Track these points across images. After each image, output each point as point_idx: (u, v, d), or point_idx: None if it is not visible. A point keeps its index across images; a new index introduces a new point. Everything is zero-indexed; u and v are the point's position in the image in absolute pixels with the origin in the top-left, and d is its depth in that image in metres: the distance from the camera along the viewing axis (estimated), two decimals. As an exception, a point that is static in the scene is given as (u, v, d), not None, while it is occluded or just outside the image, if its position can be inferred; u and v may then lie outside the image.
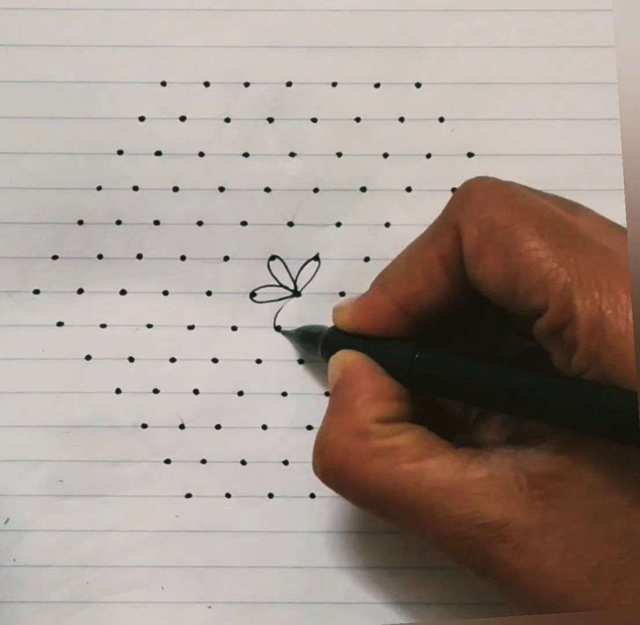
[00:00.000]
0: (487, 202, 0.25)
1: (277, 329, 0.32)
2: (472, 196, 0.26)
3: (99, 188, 0.32)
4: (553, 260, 0.24)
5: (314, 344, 0.30)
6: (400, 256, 0.28)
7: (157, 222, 0.32)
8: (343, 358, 0.28)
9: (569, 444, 0.24)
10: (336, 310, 0.29)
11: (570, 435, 0.24)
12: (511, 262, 0.24)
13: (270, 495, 0.31)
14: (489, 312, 0.28)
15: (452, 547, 0.25)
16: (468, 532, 0.24)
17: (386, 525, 0.29)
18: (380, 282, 0.28)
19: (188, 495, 0.32)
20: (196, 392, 0.32)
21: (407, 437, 0.26)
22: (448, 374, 0.26)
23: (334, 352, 0.29)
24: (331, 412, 0.27)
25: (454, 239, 0.26)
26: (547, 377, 0.24)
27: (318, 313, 0.32)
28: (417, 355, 0.27)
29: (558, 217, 0.25)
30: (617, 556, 0.23)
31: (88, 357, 0.32)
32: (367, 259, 0.32)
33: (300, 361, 0.32)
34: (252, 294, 0.32)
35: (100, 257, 0.32)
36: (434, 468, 0.25)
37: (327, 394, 0.31)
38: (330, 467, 0.27)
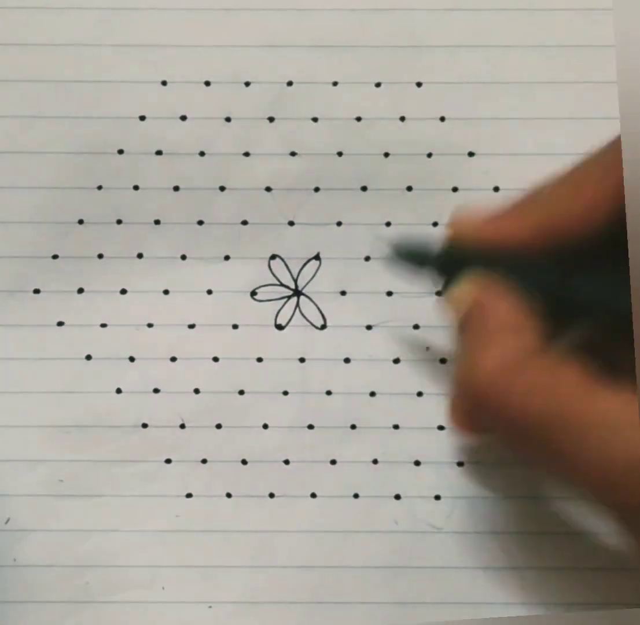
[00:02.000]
0: None
1: (278, 328, 0.32)
2: None
3: (100, 187, 0.32)
4: None
5: (421, 265, 0.28)
6: (555, 181, 0.26)
7: (157, 222, 0.32)
8: (472, 288, 0.26)
9: None
10: (453, 223, 0.27)
11: None
12: None
13: (271, 495, 0.31)
14: None
15: (621, 487, 0.22)
16: None
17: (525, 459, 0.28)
18: (524, 200, 0.26)
19: (188, 495, 0.31)
20: (197, 391, 0.32)
21: (567, 370, 0.24)
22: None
23: (453, 272, 0.27)
24: (474, 348, 0.25)
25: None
26: None
27: (318, 313, 0.32)
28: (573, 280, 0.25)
29: None
30: None
31: (88, 357, 0.32)
32: (367, 258, 0.32)
33: (302, 360, 0.32)
34: (253, 293, 0.32)
35: (100, 256, 0.32)
36: (599, 400, 0.23)
37: (327, 393, 0.32)
38: (488, 405, 0.24)
